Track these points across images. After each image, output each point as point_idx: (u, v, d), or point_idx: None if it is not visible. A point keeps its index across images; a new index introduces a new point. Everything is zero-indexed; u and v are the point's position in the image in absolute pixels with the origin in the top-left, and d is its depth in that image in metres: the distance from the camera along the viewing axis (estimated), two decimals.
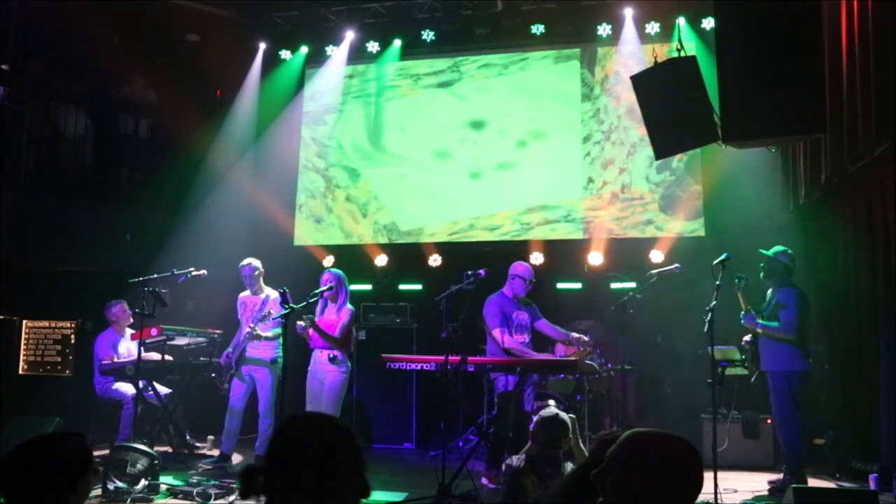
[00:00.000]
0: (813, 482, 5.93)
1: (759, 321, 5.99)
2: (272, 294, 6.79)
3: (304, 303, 5.98)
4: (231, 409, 6.85)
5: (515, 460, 4.12)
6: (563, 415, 4.13)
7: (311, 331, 6.18)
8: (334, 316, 6.26)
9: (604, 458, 1.88)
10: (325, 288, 6.19)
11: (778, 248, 6.18)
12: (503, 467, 4.21)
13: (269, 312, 6.51)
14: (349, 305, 6.32)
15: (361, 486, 1.85)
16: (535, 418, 4.22)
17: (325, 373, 6.15)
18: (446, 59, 9.68)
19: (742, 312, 6.06)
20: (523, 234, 9.18)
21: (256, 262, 6.92)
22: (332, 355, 6.15)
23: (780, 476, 5.94)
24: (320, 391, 6.17)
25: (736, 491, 5.86)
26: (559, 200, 9.14)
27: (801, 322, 5.91)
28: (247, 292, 6.95)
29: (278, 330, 6.53)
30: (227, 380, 6.83)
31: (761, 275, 6.17)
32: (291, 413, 1.93)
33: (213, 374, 7.08)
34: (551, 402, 5.83)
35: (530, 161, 9.31)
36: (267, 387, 6.73)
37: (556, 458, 4.07)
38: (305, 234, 9.87)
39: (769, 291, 6.19)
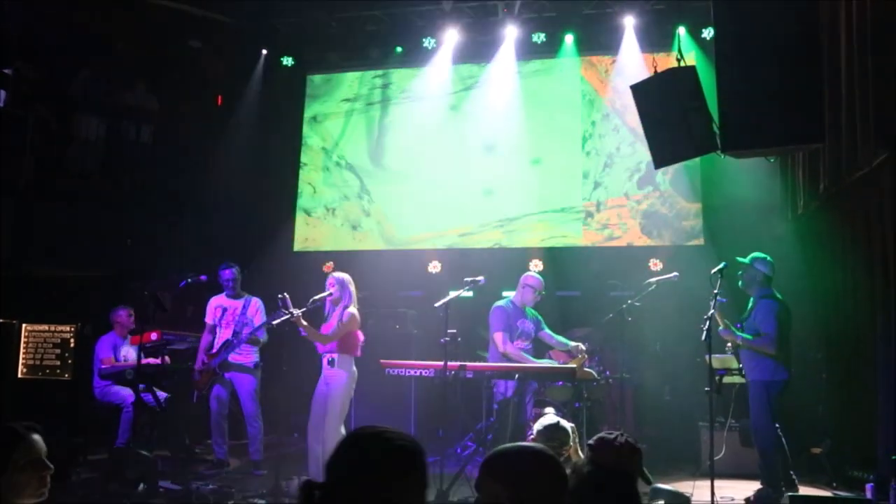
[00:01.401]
0: (809, 491, 5.94)
1: (739, 334, 5.96)
2: (252, 297, 6.85)
3: (304, 309, 5.98)
4: (217, 411, 6.85)
5: None
6: (564, 422, 4.13)
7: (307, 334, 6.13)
8: (336, 319, 6.22)
9: (602, 458, 1.96)
10: (324, 294, 6.14)
11: (755, 254, 6.07)
12: None
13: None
14: (352, 309, 6.13)
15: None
16: (534, 426, 4.23)
17: (328, 377, 6.09)
18: (446, 68, 9.71)
19: (720, 327, 5.94)
20: (512, 241, 9.26)
21: (237, 267, 7.00)
22: (330, 358, 6.03)
23: (759, 487, 5.94)
24: (323, 397, 6.09)
25: (733, 499, 5.86)
26: (556, 208, 9.20)
27: (780, 335, 5.86)
28: (221, 296, 6.95)
29: (265, 336, 6.79)
30: (209, 386, 6.79)
31: (739, 283, 6.09)
32: (360, 426, 1.92)
33: (197, 379, 7.01)
34: (550, 409, 5.84)
35: (530, 172, 9.37)
36: (251, 391, 6.74)
37: None
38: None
39: (750, 301, 6.18)
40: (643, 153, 8.36)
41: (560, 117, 9.33)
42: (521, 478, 1.94)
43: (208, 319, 6.92)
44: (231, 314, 6.84)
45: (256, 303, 6.89)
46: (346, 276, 6.24)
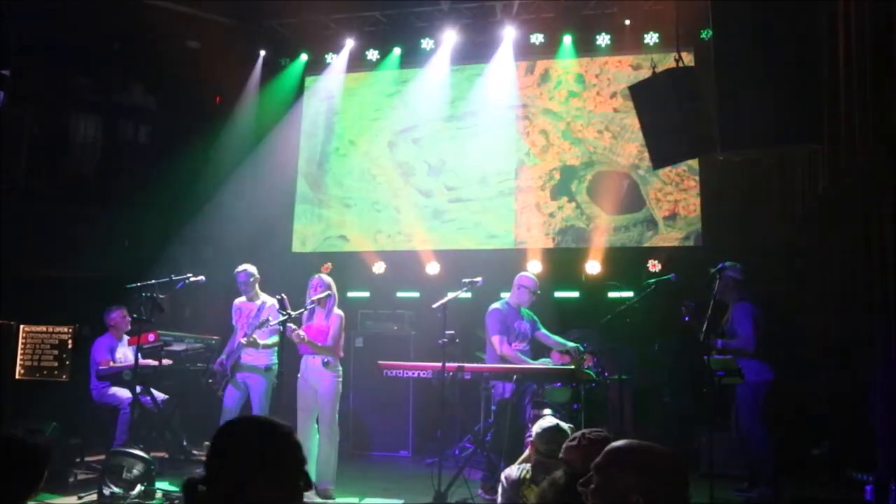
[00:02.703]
0: (808, 492, 5.93)
1: (719, 340, 6.02)
2: (268, 300, 6.76)
3: (302, 310, 6.05)
4: (226, 416, 6.82)
5: (515, 470, 4.10)
6: (563, 424, 4.11)
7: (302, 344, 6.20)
8: (324, 321, 6.27)
9: (573, 462, 1.97)
10: (322, 295, 6.22)
11: (727, 262, 6.17)
12: (502, 478, 4.19)
13: (269, 319, 6.43)
14: (338, 311, 6.33)
15: (306, 481, 1.89)
16: (532, 427, 4.21)
17: (319, 378, 6.18)
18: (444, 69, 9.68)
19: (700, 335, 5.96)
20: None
21: (252, 269, 6.84)
22: (325, 360, 6.18)
23: (757, 490, 5.93)
24: (313, 397, 6.20)
25: (731, 501, 5.86)
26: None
27: (757, 335, 5.94)
28: (242, 298, 6.90)
29: (276, 338, 6.42)
30: (222, 386, 6.79)
31: (713, 291, 6.12)
32: (239, 418, 1.96)
33: (210, 381, 7.02)
34: (547, 410, 5.82)
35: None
36: (261, 393, 6.68)
37: (556, 467, 4.04)
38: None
39: (730, 308, 6.22)
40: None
41: (559, 119, 9.32)
42: (656, 474, 1.92)
43: (233, 321, 6.92)
44: (246, 316, 6.79)
45: (270, 308, 6.76)
46: (330, 279, 6.42)
